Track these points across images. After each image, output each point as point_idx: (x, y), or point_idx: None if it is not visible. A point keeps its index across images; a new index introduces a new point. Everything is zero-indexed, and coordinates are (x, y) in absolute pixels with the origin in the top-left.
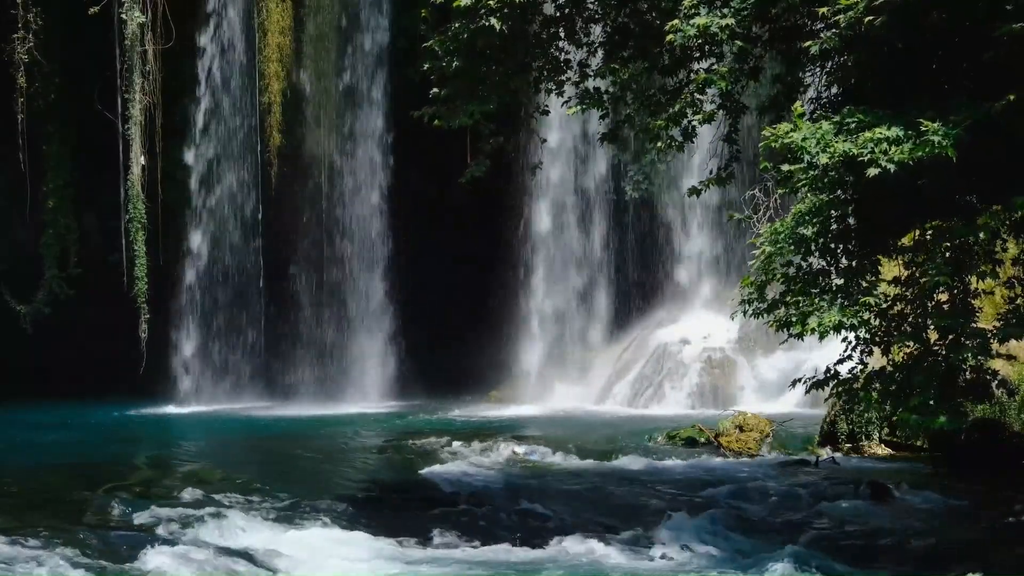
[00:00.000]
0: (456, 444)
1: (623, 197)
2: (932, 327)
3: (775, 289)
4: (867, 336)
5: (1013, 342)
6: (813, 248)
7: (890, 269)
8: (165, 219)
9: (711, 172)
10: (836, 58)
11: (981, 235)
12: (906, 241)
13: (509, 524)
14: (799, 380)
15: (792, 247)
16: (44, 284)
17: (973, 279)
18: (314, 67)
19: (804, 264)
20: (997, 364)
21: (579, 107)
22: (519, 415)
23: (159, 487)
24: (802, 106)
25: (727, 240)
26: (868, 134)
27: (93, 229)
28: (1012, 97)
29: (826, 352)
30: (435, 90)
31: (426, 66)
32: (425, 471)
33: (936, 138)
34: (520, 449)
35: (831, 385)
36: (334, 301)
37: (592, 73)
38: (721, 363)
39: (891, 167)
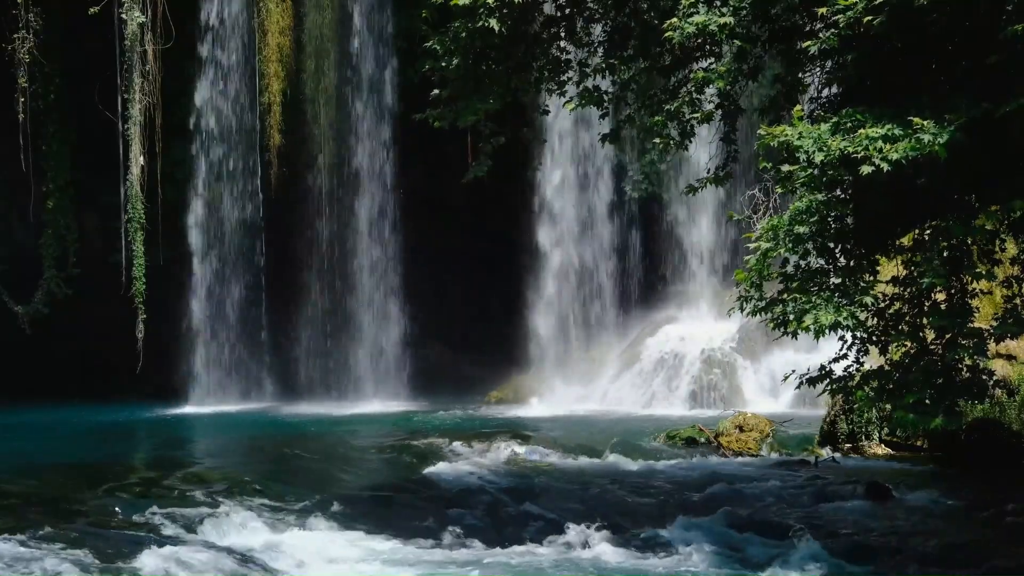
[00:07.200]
0: (457, 444)
1: (624, 197)
2: (929, 327)
3: (773, 287)
4: (864, 335)
5: (1013, 342)
6: (811, 247)
7: (889, 269)
8: (165, 219)
9: (709, 171)
10: (835, 58)
11: (979, 236)
12: (905, 241)
13: (509, 524)
14: (791, 375)
15: (789, 245)
16: (43, 284)
17: (970, 279)
18: (314, 67)
19: (802, 263)
20: (997, 364)
21: (579, 105)
22: (520, 415)
23: (159, 487)
24: (801, 109)
25: (728, 240)
26: (864, 132)
27: (93, 229)
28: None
29: (828, 353)
30: (436, 91)
31: (426, 66)
32: (426, 471)
33: (927, 136)
34: (520, 449)
35: (825, 383)
36: (335, 302)
37: (592, 71)
38: (721, 363)
39: (885, 165)
